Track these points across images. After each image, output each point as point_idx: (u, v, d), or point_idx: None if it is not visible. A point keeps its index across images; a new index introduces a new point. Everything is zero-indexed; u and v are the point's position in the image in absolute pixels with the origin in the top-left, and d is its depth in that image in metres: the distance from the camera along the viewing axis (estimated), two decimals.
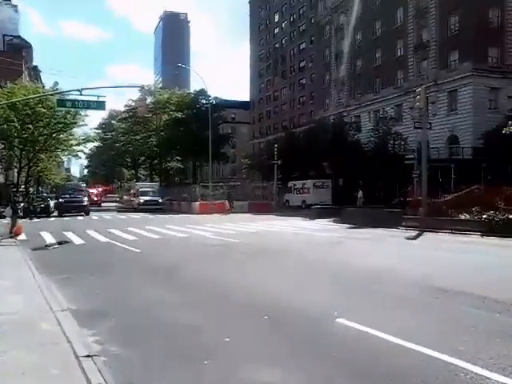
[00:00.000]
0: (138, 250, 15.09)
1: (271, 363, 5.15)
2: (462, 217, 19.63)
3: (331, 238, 18.69)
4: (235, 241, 17.73)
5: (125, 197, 68.87)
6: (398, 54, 54.11)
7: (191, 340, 5.99)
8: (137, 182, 70.70)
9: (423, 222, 20.62)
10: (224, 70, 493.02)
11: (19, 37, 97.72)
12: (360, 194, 41.33)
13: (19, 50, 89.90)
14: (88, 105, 21.68)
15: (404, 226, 21.70)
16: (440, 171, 32.91)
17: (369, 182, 44.62)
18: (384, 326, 6.23)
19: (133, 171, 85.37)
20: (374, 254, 14.13)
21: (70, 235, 20.48)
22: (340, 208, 34.52)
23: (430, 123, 28.18)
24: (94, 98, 21.78)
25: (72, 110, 38.61)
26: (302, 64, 78.92)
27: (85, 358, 5.03)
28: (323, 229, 23.19)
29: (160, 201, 49.33)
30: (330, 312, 7.02)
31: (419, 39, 51.12)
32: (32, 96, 38.08)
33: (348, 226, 24.06)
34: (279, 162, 46.31)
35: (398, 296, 8.27)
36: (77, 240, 18.77)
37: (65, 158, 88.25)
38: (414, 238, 18.27)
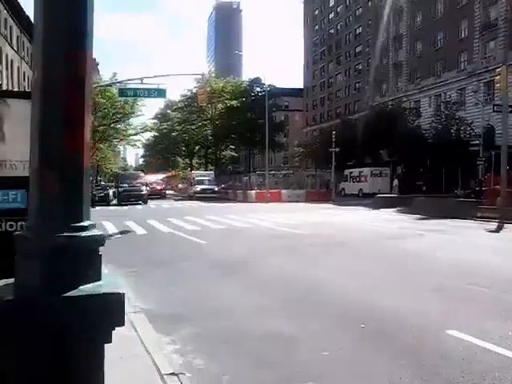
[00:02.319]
0: (203, 242, 14.49)
1: None
2: None
3: (407, 230, 17.37)
4: (303, 232, 16.87)
5: (180, 185, 69.29)
6: (462, 35, 51.28)
7: (285, 354, 5.18)
8: (191, 170, 70.99)
9: (502, 213, 19.03)
10: (277, 57, 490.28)
11: None
12: (395, 182, 39.63)
13: None
14: (149, 93, 21.36)
15: (479, 218, 20.14)
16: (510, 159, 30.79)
17: (430, 170, 42.64)
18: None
19: (187, 160, 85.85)
20: (465, 249, 12.85)
21: (130, 224, 20.27)
22: (401, 197, 33.10)
23: None
24: (154, 87, 21.46)
25: (131, 99, 38.74)
26: (358, 49, 76.60)
27: (169, 375, 4.38)
28: (392, 219, 21.98)
29: (216, 189, 49.23)
30: (437, 321, 6.13)
31: (486, 18, 48.16)
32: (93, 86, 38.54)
33: (416, 217, 22.63)
34: (337, 150, 44.99)
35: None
36: (138, 230, 18.50)
37: (121, 148, 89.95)
38: (496, 230, 16.78)
